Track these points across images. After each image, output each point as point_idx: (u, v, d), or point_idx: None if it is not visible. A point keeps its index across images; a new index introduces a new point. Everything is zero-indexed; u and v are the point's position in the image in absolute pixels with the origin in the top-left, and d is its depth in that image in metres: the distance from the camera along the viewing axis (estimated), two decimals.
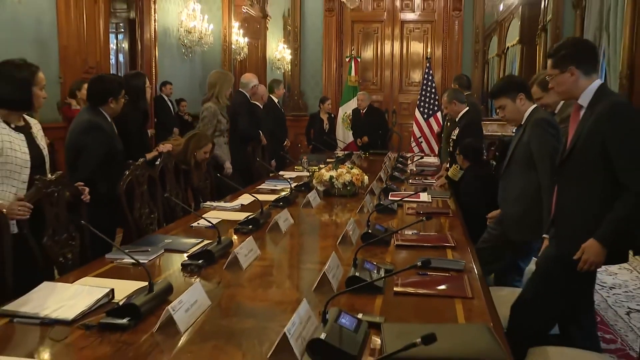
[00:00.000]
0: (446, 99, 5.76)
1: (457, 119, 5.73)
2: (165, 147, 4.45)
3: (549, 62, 2.84)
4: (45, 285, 2.27)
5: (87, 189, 3.20)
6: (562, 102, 4.11)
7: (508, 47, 12.56)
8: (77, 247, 3.04)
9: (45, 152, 3.16)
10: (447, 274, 2.47)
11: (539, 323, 2.80)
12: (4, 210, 2.72)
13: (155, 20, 8.63)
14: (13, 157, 2.90)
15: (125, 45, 9.62)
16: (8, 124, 2.95)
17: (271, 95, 7.04)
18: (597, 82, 2.71)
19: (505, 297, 3.01)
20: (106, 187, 3.53)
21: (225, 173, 5.36)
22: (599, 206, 2.59)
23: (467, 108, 5.82)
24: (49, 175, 3.00)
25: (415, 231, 3.18)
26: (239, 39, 10.54)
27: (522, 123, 3.46)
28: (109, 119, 3.77)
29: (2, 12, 5.58)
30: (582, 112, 2.73)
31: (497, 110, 3.61)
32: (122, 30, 9.72)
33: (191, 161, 4.62)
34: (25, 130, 3.04)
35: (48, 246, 2.84)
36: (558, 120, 3.77)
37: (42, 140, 3.16)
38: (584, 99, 2.71)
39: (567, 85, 2.76)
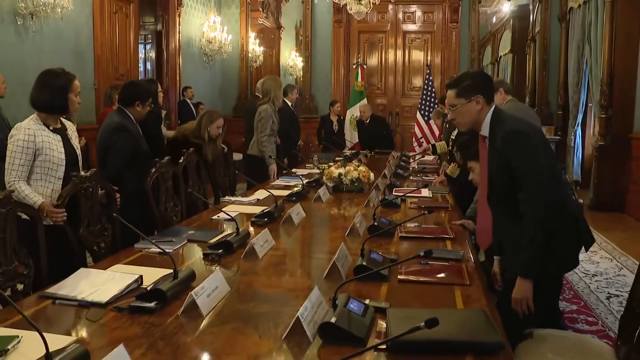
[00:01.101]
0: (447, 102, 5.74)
1: None
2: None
3: (451, 93, 2.62)
4: (82, 271, 2.28)
5: (117, 194, 3.21)
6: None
7: (501, 56, 12.52)
8: (109, 237, 3.05)
9: (78, 151, 3.20)
10: (447, 263, 2.45)
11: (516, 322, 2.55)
12: (46, 208, 2.76)
13: (179, 31, 8.67)
14: (51, 156, 2.95)
15: (152, 54, 9.62)
16: (47, 126, 2.98)
17: (285, 99, 7.02)
18: (491, 110, 2.55)
19: None
20: (133, 183, 3.54)
21: (269, 174, 5.38)
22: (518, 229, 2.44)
23: None
24: (82, 172, 3.02)
25: (417, 224, 3.16)
26: (255, 48, 10.55)
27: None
28: (135, 122, 3.79)
29: (47, 27, 5.66)
30: (487, 143, 2.59)
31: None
32: (150, 41, 9.72)
33: (205, 136, 4.64)
34: (62, 132, 3.07)
35: (84, 236, 2.85)
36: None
37: (75, 141, 3.20)
38: (485, 129, 2.57)
39: (472, 114, 2.56)
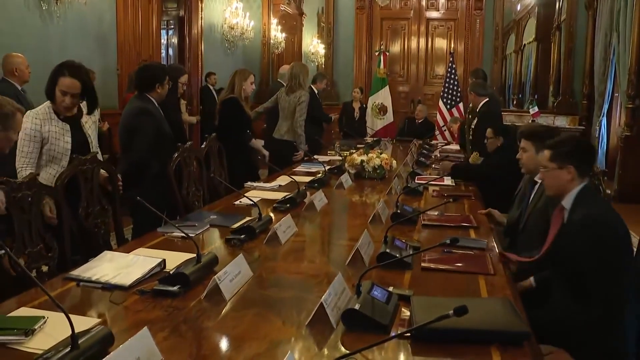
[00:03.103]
0: (468, 90, 5.76)
1: (477, 109, 5.65)
2: None
3: (547, 153, 2.52)
4: (106, 253, 2.30)
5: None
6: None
7: (525, 44, 12.31)
8: (109, 218, 3.03)
9: (91, 139, 3.19)
10: (471, 252, 2.42)
11: None
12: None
13: (201, 17, 8.66)
14: (56, 145, 2.98)
15: (174, 40, 9.63)
16: (57, 114, 2.99)
17: (312, 86, 7.01)
18: (580, 185, 2.42)
19: None
20: (157, 166, 3.54)
21: (295, 158, 5.43)
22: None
23: (487, 99, 5.73)
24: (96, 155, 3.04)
25: (440, 212, 3.12)
26: (277, 34, 10.51)
27: (538, 180, 3.10)
28: (156, 104, 3.77)
29: (70, 12, 5.69)
30: (565, 215, 2.44)
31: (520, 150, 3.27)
32: (172, 26, 9.73)
33: (242, 95, 4.71)
34: (73, 121, 3.07)
35: (83, 217, 2.84)
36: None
37: (89, 129, 3.19)
38: (567, 202, 2.43)
39: (560, 182, 2.45)
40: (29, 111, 2.97)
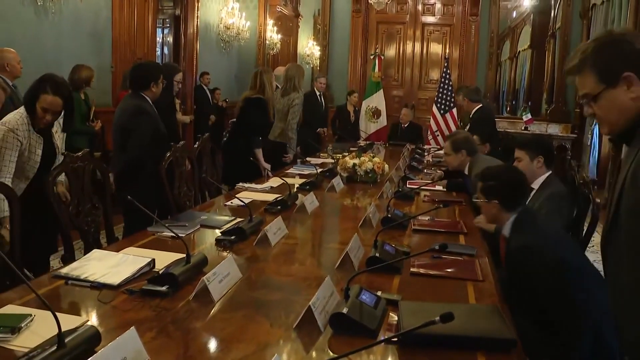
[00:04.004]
0: (461, 97, 5.81)
1: (470, 115, 5.68)
2: None
3: (480, 185, 2.60)
4: (95, 252, 2.29)
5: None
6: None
7: (519, 51, 12.38)
8: (99, 216, 3.01)
9: (58, 149, 3.20)
10: (460, 258, 2.43)
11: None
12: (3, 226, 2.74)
13: (197, 17, 8.65)
14: (27, 158, 2.98)
15: (170, 39, 9.61)
16: (33, 126, 2.98)
17: (314, 87, 7.06)
18: (513, 217, 2.47)
19: None
20: (152, 165, 3.53)
21: (285, 160, 5.45)
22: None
23: (480, 105, 5.77)
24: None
25: (430, 217, 3.13)
26: (273, 35, 10.50)
27: (534, 187, 3.16)
28: (151, 103, 3.75)
29: (65, 9, 5.66)
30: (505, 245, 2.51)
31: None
32: (168, 25, 9.71)
33: (272, 94, 4.75)
34: (45, 132, 3.06)
35: (73, 215, 2.83)
36: None
37: (58, 139, 3.20)
38: (506, 230, 2.50)
39: (491, 214, 2.58)
40: (9, 120, 2.93)
